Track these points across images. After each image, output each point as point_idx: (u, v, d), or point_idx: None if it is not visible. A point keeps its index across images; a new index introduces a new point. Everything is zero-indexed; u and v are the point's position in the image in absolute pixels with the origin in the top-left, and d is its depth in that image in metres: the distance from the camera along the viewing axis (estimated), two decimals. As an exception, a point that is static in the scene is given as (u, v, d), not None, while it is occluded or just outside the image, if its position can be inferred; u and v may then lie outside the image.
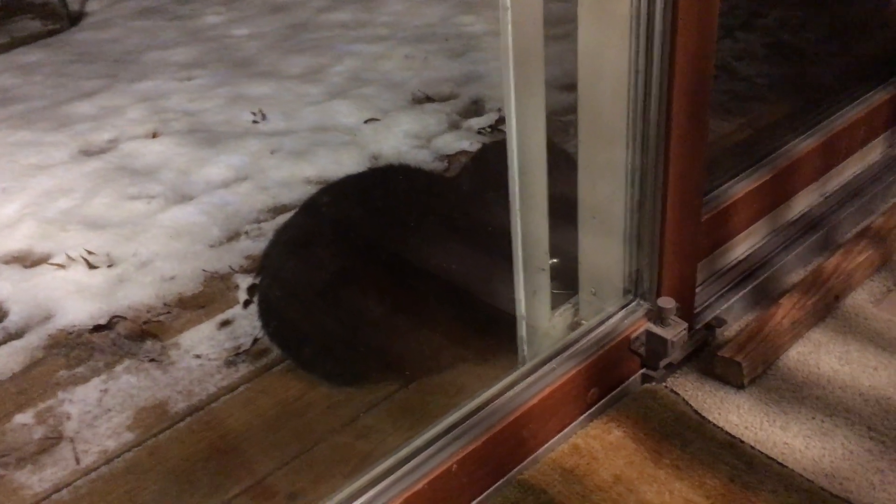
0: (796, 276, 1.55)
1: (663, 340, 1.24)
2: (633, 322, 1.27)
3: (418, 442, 1.14)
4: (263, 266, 1.62)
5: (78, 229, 2.05)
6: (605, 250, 1.34)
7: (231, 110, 2.66)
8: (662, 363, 1.27)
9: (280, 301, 1.56)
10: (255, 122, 2.56)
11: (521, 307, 1.33)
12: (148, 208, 2.13)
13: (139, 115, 2.67)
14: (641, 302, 1.31)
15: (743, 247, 1.59)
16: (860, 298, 1.46)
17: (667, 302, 1.25)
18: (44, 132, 2.60)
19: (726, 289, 1.48)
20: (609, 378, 1.26)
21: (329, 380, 1.52)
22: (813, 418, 1.22)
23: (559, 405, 1.19)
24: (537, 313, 1.36)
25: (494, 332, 1.50)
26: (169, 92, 2.83)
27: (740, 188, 1.54)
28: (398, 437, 1.40)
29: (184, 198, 2.18)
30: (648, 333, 1.26)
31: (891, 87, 1.86)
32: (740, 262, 1.54)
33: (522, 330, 1.36)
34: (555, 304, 1.42)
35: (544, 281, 1.35)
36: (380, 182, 1.63)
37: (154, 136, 2.50)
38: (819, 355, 1.34)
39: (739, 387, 1.28)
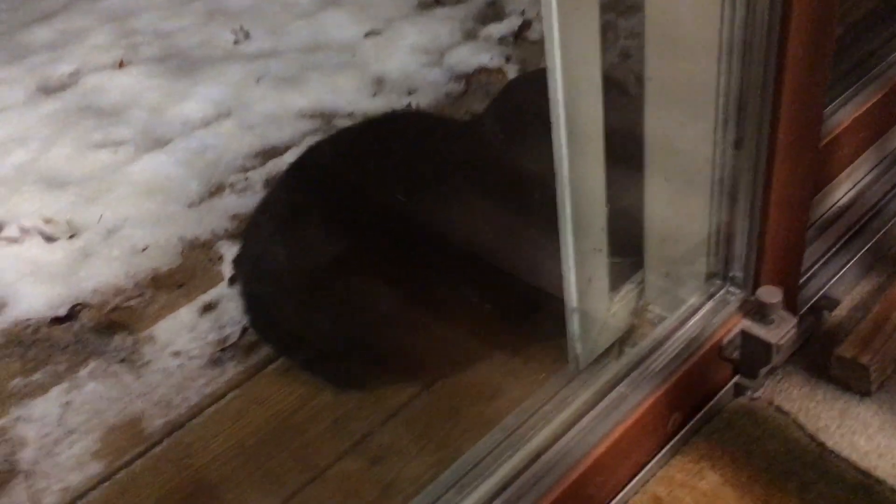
0: (919, 225, 1.22)
1: (766, 345, 0.93)
2: (723, 320, 0.96)
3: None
4: (245, 247, 1.32)
5: (33, 190, 1.73)
6: (682, 211, 1.02)
7: (208, 29, 2.28)
8: (763, 371, 0.97)
9: (268, 290, 1.26)
10: (236, 42, 2.20)
11: (573, 299, 1.02)
12: (115, 159, 1.81)
13: (104, 39, 2.30)
14: (733, 289, 0.99)
15: (845, 188, 1.26)
16: None
17: (770, 294, 0.93)
18: (-4, 67, 2.26)
19: (832, 250, 1.16)
20: (694, 396, 0.96)
21: (334, 383, 1.24)
22: (968, 440, 0.92)
23: (634, 444, 0.90)
24: (593, 303, 1.05)
25: (533, 316, 1.21)
26: (137, 9, 2.45)
27: (846, 112, 1.20)
28: (422, 461, 1.12)
29: (156, 143, 1.85)
30: (745, 335, 0.95)
31: None
32: (845, 210, 1.22)
33: (574, 325, 1.05)
34: (612, 281, 1.12)
35: (601, 263, 1.04)
36: (380, 136, 1.29)
37: (121, 65, 2.15)
38: (964, 343, 1.03)
39: (864, 394, 0.98)
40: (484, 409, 1.16)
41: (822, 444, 0.93)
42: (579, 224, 0.97)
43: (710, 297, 0.99)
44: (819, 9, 0.85)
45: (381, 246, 1.22)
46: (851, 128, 1.20)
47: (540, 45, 1.99)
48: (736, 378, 1.00)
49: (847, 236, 1.17)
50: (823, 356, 1.02)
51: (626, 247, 1.12)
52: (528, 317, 1.20)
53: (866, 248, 1.15)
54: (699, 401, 0.97)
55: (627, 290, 1.11)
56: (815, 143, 1.00)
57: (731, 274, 1.00)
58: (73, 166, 1.81)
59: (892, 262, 1.16)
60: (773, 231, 0.96)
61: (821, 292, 1.09)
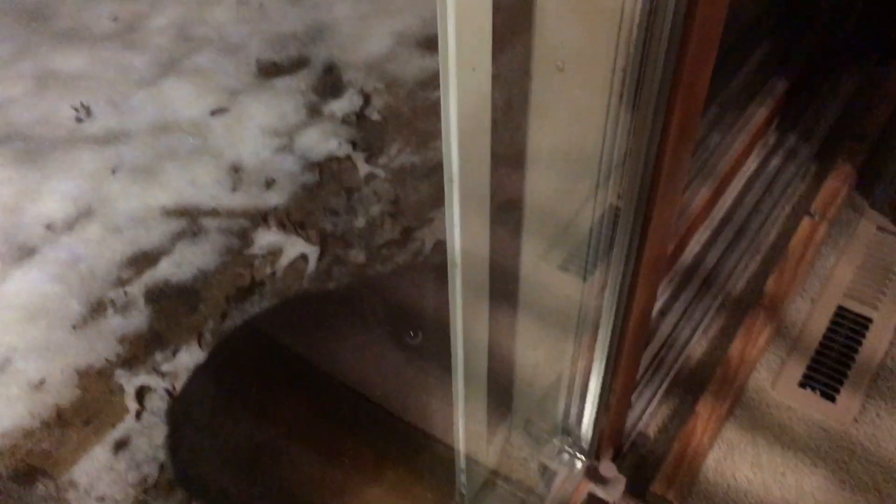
0: (700, 349, 1.61)
1: (607, 502, 1.29)
2: (575, 486, 1.30)
3: None
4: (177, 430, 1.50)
5: None
6: (546, 354, 1.32)
7: (45, 101, 2.27)
8: (602, 514, 1.33)
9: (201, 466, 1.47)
10: (78, 119, 2.22)
11: (461, 441, 1.30)
12: (-17, 275, 1.86)
13: (-72, 113, 2.23)
14: (580, 456, 1.33)
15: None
16: (760, 378, 1.55)
17: (608, 470, 1.28)
18: None
19: (640, 385, 1.52)
20: (557, 540, 1.31)
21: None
22: (737, 547, 1.33)
23: None
24: (475, 445, 1.35)
25: (422, 456, 1.50)
26: (-44, 70, 2.37)
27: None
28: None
29: (23, 253, 1.90)
30: (591, 497, 1.30)
31: (770, 101, 1.87)
32: (647, 344, 1.58)
33: (461, 463, 1.34)
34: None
35: (483, 410, 1.33)
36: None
37: (-41, 152, 2.12)
38: (734, 461, 1.43)
39: (670, 514, 1.38)
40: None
41: (643, 563, 1.32)
42: (469, 376, 1.23)
43: (564, 464, 1.32)
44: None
45: (292, 403, 1.46)
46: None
47: (380, 126, 2.21)
48: (582, 517, 1.36)
49: (651, 369, 1.54)
50: (641, 484, 1.40)
51: (501, 393, 1.43)
52: (419, 456, 1.49)
53: (668, 379, 1.53)
54: (559, 542, 1.33)
55: (499, 434, 1.42)
56: (663, 274, 1.24)
57: (579, 439, 1.33)
58: (-60, 286, 1.83)
59: (683, 384, 1.55)
60: (622, 371, 1.26)
61: (636, 428, 1.46)
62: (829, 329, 1.62)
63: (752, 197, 1.83)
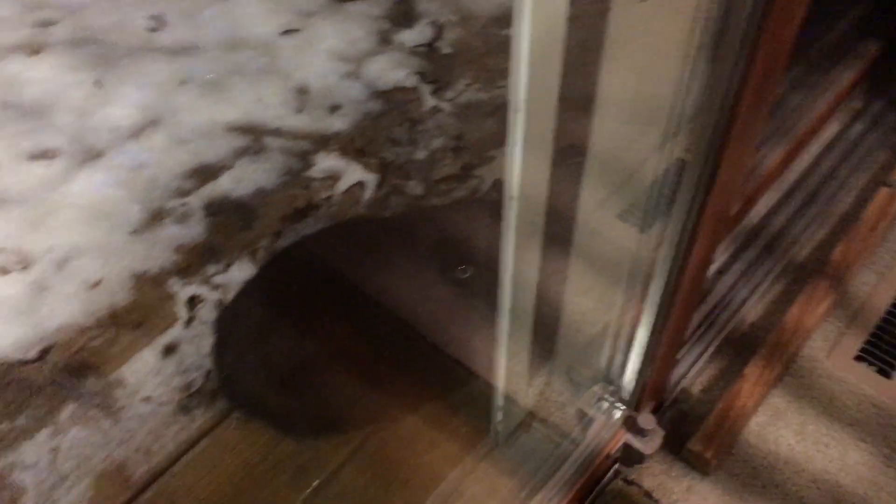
0: (755, 312, 1.56)
1: (641, 454, 1.27)
2: (612, 434, 1.28)
3: None
4: (223, 335, 1.53)
5: (-25, 210, 1.82)
6: (595, 302, 1.31)
7: (120, 8, 2.29)
8: (637, 466, 1.32)
9: (245, 370, 1.49)
10: (153, 29, 2.23)
11: (501, 380, 1.30)
12: (51, 174, 1.89)
13: (9, 11, 2.27)
14: (619, 405, 1.31)
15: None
16: (815, 347, 1.50)
17: (647, 422, 1.26)
18: None
19: (689, 343, 1.49)
20: (590, 489, 1.30)
21: (295, 436, 1.50)
22: (771, 513, 1.31)
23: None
24: (515, 385, 1.35)
25: (460, 390, 1.50)
26: (38, -29, 2.39)
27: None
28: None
29: (89, 154, 1.94)
30: (626, 446, 1.28)
31: (858, 63, 1.78)
32: (699, 303, 1.54)
33: (499, 402, 1.34)
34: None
35: (525, 351, 1.32)
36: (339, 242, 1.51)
37: (36, 52, 2.15)
38: (777, 428, 1.40)
39: (705, 474, 1.35)
40: (421, 460, 1.46)
41: (673, 519, 1.31)
42: (515, 314, 1.21)
43: (603, 412, 1.31)
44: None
45: (336, 325, 1.47)
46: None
47: (449, 59, 2.17)
48: (616, 467, 1.34)
49: (703, 327, 1.51)
50: (678, 440, 1.38)
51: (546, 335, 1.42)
52: (457, 390, 1.49)
53: (718, 339, 1.49)
54: (590, 489, 1.31)
55: (539, 376, 1.41)
56: (724, 233, 1.20)
57: (620, 389, 1.31)
58: (10, 180, 1.88)
59: (733, 346, 1.52)
60: (671, 327, 1.24)
61: (680, 385, 1.43)
62: (893, 304, 1.56)
63: (829, 162, 1.75)
